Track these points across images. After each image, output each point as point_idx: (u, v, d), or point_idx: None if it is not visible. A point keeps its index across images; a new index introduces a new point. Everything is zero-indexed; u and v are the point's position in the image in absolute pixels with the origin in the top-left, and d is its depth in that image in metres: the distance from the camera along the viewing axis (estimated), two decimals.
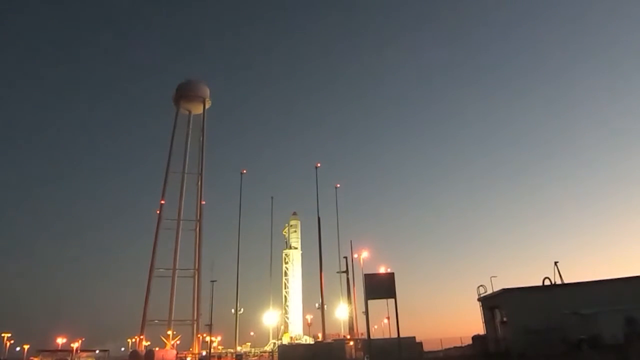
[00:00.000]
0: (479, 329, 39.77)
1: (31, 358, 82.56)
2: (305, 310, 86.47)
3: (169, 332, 79.21)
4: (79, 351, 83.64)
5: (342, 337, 62.05)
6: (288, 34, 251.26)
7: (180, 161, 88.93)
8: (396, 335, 34.43)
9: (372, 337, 44.13)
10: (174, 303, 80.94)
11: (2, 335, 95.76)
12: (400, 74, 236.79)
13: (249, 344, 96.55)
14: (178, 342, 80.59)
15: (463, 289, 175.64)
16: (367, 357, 38.27)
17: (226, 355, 77.85)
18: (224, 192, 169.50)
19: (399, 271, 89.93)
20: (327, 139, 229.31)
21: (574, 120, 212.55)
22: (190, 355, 75.99)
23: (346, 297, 62.35)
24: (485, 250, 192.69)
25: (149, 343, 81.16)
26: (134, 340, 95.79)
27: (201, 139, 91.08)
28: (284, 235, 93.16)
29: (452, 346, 49.21)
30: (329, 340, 57.06)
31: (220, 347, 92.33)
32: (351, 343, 48.65)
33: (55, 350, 76.42)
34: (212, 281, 75.28)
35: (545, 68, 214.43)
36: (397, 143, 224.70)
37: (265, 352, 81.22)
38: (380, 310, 65.68)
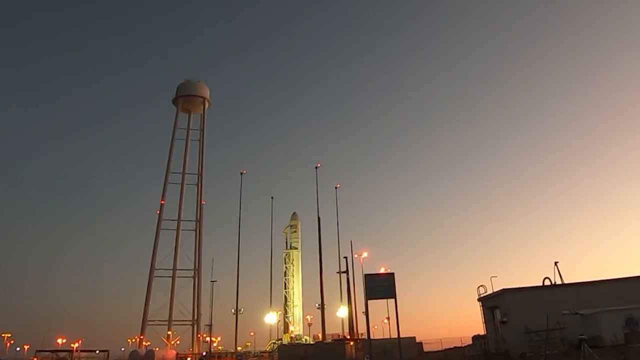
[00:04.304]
0: (479, 329, 39.89)
1: (31, 358, 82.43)
2: (305, 310, 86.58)
3: (169, 333, 79.23)
4: (78, 351, 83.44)
5: (342, 337, 62.01)
6: (288, 33, 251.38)
7: (180, 161, 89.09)
8: (396, 335, 34.57)
9: (372, 337, 44.21)
10: (174, 303, 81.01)
11: (2, 335, 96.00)
12: (400, 74, 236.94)
13: (249, 344, 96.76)
14: (178, 342, 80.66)
15: (463, 289, 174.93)
16: (367, 357, 38.33)
17: (226, 355, 77.83)
18: (224, 192, 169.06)
19: (399, 271, 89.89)
20: (327, 139, 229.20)
21: (573, 120, 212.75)
22: (191, 355, 75.99)
23: (346, 298, 62.33)
24: (485, 250, 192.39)
25: (149, 343, 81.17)
26: (134, 340, 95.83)
27: (201, 139, 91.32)
28: (284, 235, 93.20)
29: (452, 346, 49.41)
30: (329, 341, 57.09)
31: (220, 347, 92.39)
32: (351, 343, 48.64)
33: (55, 351, 76.12)
34: (212, 281, 75.54)
35: (544, 67, 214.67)
36: (397, 143, 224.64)
37: (265, 352, 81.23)
38: (380, 310, 65.81)
